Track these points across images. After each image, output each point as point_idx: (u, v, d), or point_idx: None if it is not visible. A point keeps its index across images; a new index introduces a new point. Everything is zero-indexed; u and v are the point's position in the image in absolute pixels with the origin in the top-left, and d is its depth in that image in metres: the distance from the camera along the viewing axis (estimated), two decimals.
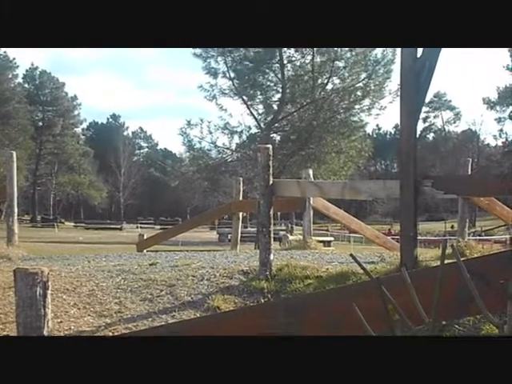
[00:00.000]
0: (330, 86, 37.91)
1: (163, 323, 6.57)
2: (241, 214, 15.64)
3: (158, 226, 63.57)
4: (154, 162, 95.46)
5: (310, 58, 37.67)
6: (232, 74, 38.29)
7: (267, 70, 38.71)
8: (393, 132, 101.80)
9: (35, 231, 53.34)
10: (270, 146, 8.46)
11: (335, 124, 37.73)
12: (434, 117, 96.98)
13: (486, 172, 62.05)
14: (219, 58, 38.27)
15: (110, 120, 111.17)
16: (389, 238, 14.07)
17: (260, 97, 39.40)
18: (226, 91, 38.48)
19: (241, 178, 16.39)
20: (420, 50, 6.38)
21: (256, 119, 38.95)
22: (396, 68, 35.52)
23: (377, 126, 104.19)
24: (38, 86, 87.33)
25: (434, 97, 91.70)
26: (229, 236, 29.40)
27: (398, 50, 7.10)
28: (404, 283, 2.35)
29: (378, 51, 36.85)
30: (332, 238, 33.55)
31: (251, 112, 38.71)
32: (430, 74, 6.44)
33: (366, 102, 37.60)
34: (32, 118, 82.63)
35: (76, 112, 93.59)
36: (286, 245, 12.28)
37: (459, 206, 10.74)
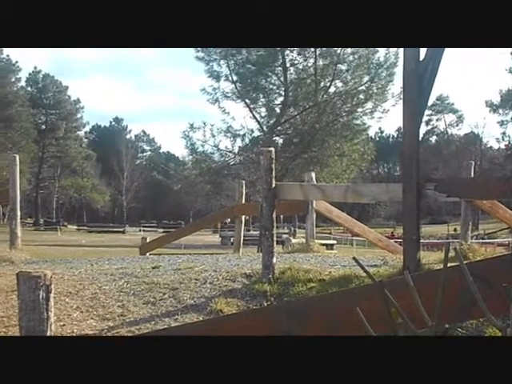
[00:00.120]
0: (332, 89, 37.93)
1: (166, 326, 6.57)
2: (243, 217, 15.64)
3: (161, 229, 63.67)
4: (157, 165, 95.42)
5: (312, 61, 37.68)
6: (235, 77, 38.28)
7: (270, 74, 38.69)
8: (395, 135, 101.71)
9: (38, 234, 53.36)
10: (272, 149, 8.45)
11: (338, 127, 37.70)
12: (437, 120, 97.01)
13: (488, 175, 61.99)
14: (222, 62, 38.30)
15: (113, 123, 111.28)
16: (392, 241, 14.05)
17: (263, 100, 39.38)
18: (229, 94, 38.50)
19: (243, 181, 16.39)
20: (423, 53, 6.38)
21: (259, 122, 38.94)
22: (399, 71, 35.49)
23: (379, 129, 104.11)
24: (41, 89, 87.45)
25: (437, 100, 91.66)
26: (231, 239, 29.40)
27: (401, 53, 7.09)
28: (407, 286, 2.34)
29: (381, 54, 36.88)
30: (335, 241, 33.50)
31: (254, 115, 38.71)
32: (433, 77, 6.44)
33: (369, 105, 37.59)
34: (35, 121, 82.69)
35: (79, 115, 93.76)
36: (289, 248, 12.29)
37: (462, 209, 10.73)
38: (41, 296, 3.74)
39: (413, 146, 6.55)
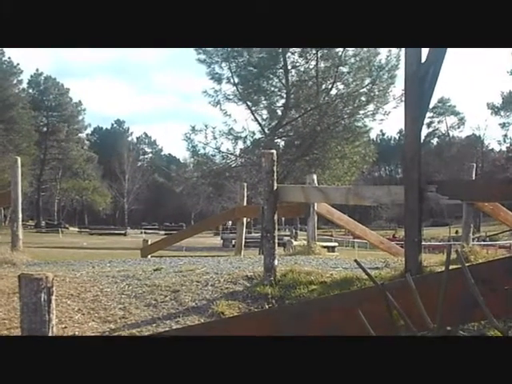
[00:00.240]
0: (334, 92, 37.89)
1: (167, 329, 6.57)
2: (245, 219, 15.64)
3: (163, 232, 63.65)
4: (159, 167, 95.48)
5: (314, 63, 37.64)
6: (236, 80, 38.28)
7: (271, 76, 38.68)
8: (397, 137, 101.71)
9: (40, 236, 53.40)
10: (274, 151, 8.45)
11: (339, 129, 37.67)
12: (439, 122, 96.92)
13: (490, 177, 61.96)
14: (223, 64, 38.28)
15: (115, 125, 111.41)
16: (393, 243, 14.06)
17: (264, 102, 39.37)
18: (231, 97, 38.47)
19: (245, 184, 16.40)
20: (424, 56, 6.38)
21: (260, 125, 38.92)
22: (400, 73, 35.54)
23: (381, 131, 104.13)
24: (43, 91, 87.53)
25: (438, 102, 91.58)
26: (233, 241, 29.44)
27: (402, 55, 7.10)
28: (408, 289, 2.34)
29: (383, 56, 36.87)
30: (336, 244, 33.49)
31: (255, 117, 38.69)
32: (435, 79, 6.44)
33: (370, 107, 37.55)
34: (36, 123, 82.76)
35: (80, 117, 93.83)
36: (291, 250, 12.28)
37: (464, 211, 10.73)
38: (42, 298, 3.74)
39: (414, 149, 6.54)
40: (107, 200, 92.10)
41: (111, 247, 37.31)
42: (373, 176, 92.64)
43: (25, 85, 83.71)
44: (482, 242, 31.55)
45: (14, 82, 78.97)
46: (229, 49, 36.40)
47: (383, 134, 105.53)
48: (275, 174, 8.21)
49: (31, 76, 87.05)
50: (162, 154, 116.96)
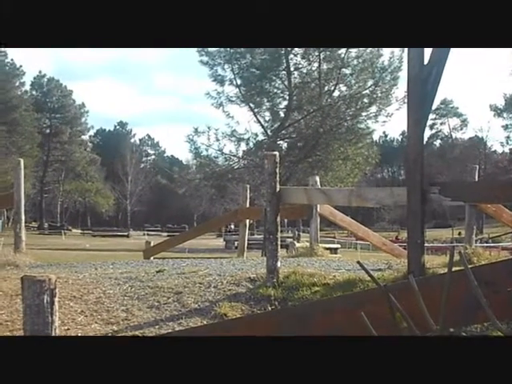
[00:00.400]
0: (336, 93, 37.84)
1: (170, 330, 6.57)
2: (247, 221, 15.64)
3: (165, 233, 63.62)
4: (161, 169, 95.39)
5: (316, 65, 37.60)
6: (239, 82, 38.25)
7: (274, 78, 38.65)
8: (400, 139, 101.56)
9: (42, 238, 53.38)
10: (276, 153, 8.45)
11: (342, 131, 37.63)
12: (441, 124, 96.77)
13: (493, 179, 61.88)
14: (226, 66, 38.25)
15: (118, 127, 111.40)
16: (396, 245, 14.05)
17: (267, 104, 39.33)
18: (233, 98, 38.42)
19: (248, 185, 16.39)
20: (427, 57, 6.38)
21: (263, 126, 38.88)
22: (403, 75, 35.42)
23: (383, 133, 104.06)
24: (46, 93, 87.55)
25: (441, 104, 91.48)
26: (235, 243, 29.41)
27: (405, 57, 7.09)
28: (411, 290, 2.34)
29: (385, 58, 36.85)
30: (339, 245, 33.36)
31: (258, 119, 38.65)
32: (437, 81, 6.44)
33: (373, 109, 37.48)
34: (39, 125, 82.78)
35: (83, 119, 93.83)
36: (293, 252, 12.27)
37: (466, 213, 10.71)
38: (45, 300, 3.74)
39: (417, 150, 6.54)
40: (110, 202, 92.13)
41: (114, 249, 37.28)
42: (375, 178, 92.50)
43: (27, 87, 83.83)
44: (485, 244, 31.49)
45: (17, 84, 79.04)
46: (231, 50, 36.43)
47: (386, 136, 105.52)
48: (278, 175, 8.21)
49: (34, 78, 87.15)
50: (165, 155, 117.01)
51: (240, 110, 43.10)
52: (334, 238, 52.25)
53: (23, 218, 12.85)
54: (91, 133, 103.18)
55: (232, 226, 52.47)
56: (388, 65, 36.77)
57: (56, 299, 3.83)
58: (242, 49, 36.24)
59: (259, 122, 38.70)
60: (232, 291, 7.71)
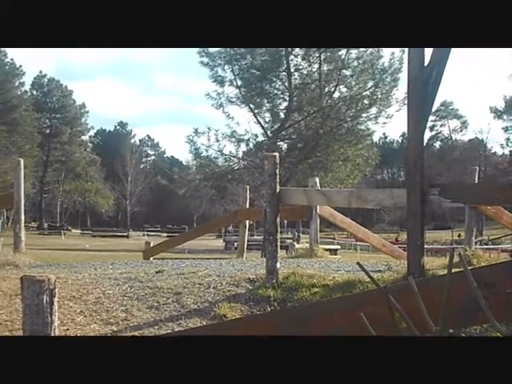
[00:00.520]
0: (336, 95, 37.88)
1: (169, 331, 6.57)
2: (247, 221, 15.64)
3: (165, 234, 63.69)
4: (161, 169, 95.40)
5: (316, 66, 37.63)
6: (239, 82, 38.26)
7: (274, 79, 38.67)
8: (400, 140, 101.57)
9: (42, 238, 53.44)
10: (276, 154, 8.46)
11: (342, 132, 37.66)
12: (441, 125, 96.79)
13: (493, 181, 61.89)
14: (226, 67, 38.27)
15: (118, 127, 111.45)
16: (396, 246, 14.04)
17: (267, 105, 39.34)
18: (233, 99, 38.43)
19: (248, 186, 16.40)
20: (427, 59, 6.38)
21: (263, 127, 38.90)
22: (403, 76, 35.39)
23: (383, 134, 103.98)
24: (46, 93, 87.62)
25: (441, 105, 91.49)
26: (235, 244, 29.42)
27: (405, 58, 7.10)
28: (411, 292, 2.34)
29: (385, 59, 36.88)
30: (339, 247, 33.39)
31: (258, 120, 38.65)
32: (437, 82, 6.44)
33: (373, 110, 37.51)
34: (39, 125, 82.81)
35: (83, 119, 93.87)
36: (293, 253, 12.28)
37: (466, 215, 10.71)
38: (44, 300, 3.74)
39: (417, 152, 6.54)
40: (110, 202, 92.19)
41: (113, 249, 37.30)
42: (375, 179, 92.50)
43: (27, 86, 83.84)
44: (485, 246, 31.47)
45: (17, 83, 79.04)
46: (232, 51, 36.44)
47: (386, 137, 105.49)
48: (278, 176, 8.21)
49: (34, 78, 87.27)
50: (165, 156, 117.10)
51: (240, 110, 43.12)
52: (334, 239, 52.25)
53: (23, 217, 12.85)
54: (91, 133, 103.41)
55: (230, 227, 52.53)
56: (388, 66, 36.81)
57: (55, 299, 3.83)
58: (243, 50, 36.29)
59: (259, 122, 38.74)
60: (231, 292, 7.71)
